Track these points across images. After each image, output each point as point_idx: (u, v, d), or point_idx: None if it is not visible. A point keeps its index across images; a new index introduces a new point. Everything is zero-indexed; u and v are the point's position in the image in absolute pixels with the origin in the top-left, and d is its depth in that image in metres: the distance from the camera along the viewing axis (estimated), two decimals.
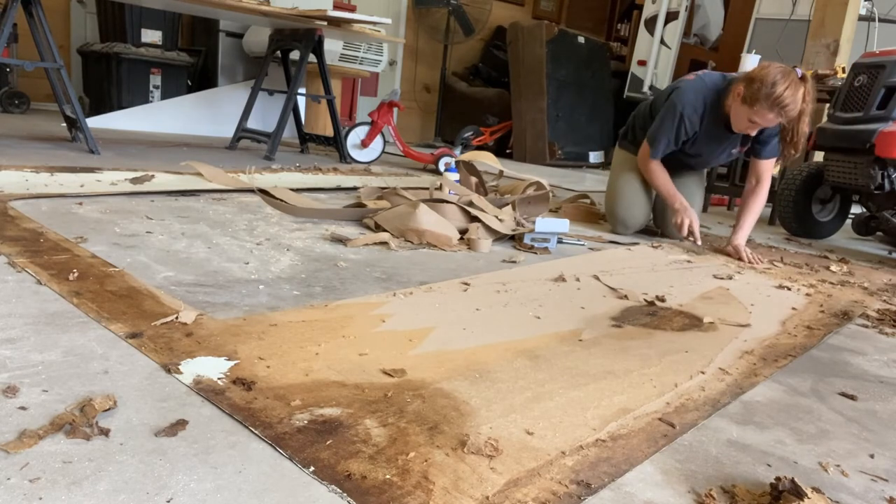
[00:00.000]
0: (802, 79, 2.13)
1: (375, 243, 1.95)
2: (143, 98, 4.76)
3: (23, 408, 0.81)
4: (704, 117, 2.38)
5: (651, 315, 1.53)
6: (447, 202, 2.19)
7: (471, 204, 2.22)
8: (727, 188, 3.71)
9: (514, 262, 1.95)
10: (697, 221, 2.44)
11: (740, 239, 2.43)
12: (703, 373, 1.19)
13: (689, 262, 2.22)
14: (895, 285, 2.18)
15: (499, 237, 2.20)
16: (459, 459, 0.80)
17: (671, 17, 5.97)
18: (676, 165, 2.59)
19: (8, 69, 4.69)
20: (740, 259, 2.33)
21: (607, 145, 6.43)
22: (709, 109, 2.36)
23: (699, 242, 2.45)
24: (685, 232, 2.43)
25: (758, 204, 2.47)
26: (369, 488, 0.72)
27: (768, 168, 2.49)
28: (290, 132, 4.35)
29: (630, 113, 2.80)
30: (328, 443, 0.80)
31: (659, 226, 2.73)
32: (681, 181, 2.68)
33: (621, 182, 2.66)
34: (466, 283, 1.62)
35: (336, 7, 4.71)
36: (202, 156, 3.42)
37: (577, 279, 1.79)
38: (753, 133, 2.33)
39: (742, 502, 0.78)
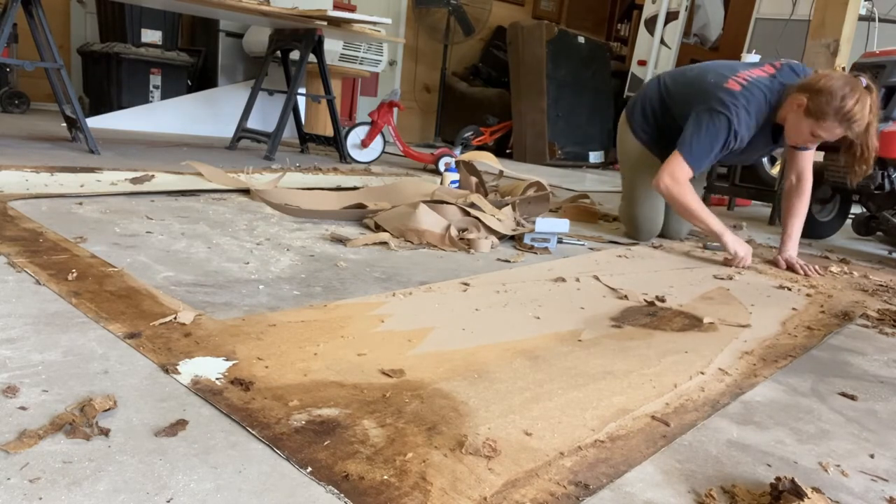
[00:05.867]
0: (867, 88, 2.01)
1: (375, 243, 1.95)
2: (143, 98, 4.77)
3: (23, 408, 0.81)
4: (755, 132, 2.23)
5: (651, 315, 1.53)
6: (447, 202, 2.19)
7: (472, 205, 2.22)
8: (727, 188, 3.71)
9: (513, 262, 1.95)
10: (750, 255, 2.23)
11: (792, 250, 2.27)
12: (702, 373, 1.19)
13: (694, 255, 2.22)
14: (894, 287, 2.18)
15: (499, 237, 2.20)
16: (457, 460, 0.80)
17: (671, 17, 5.97)
18: None
19: (8, 69, 4.69)
20: (794, 272, 2.17)
21: (607, 145, 6.43)
22: (761, 125, 2.21)
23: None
24: (740, 266, 2.19)
25: (804, 205, 2.30)
26: (367, 489, 0.72)
27: (809, 160, 2.30)
28: (290, 132, 4.35)
29: None
30: (326, 443, 0.80)
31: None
32: None
33: (645, 190, 2.44)
34: (466, 284, 1.62)
35: (336, 7, 4.71)
36: (202, 156, 3.42)
37: (577, 279, 1.79)
38: (813, 147, 2.20)
39: (742, 502, 0.78)
